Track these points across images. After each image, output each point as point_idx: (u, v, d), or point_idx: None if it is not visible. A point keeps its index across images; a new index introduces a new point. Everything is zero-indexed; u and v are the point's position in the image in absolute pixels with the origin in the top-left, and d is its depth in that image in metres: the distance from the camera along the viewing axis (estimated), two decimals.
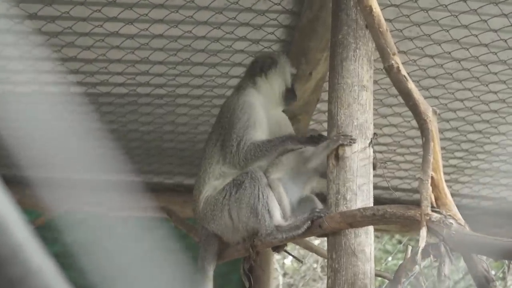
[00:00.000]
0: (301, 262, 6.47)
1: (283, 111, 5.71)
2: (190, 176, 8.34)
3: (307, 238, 5.76)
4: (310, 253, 9.59)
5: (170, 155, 8.10)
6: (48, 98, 6.65)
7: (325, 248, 5.15)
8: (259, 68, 5.56)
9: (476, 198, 8.76)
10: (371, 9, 4.18)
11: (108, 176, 8.46)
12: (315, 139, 5.00)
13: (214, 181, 5.34)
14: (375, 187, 4.87)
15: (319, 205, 5.09)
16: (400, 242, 12.88)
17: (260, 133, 5.30)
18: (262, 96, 5.46)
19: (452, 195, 4.33)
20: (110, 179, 8.51)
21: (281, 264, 14.21)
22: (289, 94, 5.55)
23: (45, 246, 1.78)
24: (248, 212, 4.97)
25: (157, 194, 8.48)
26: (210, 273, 5.41)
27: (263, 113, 5.41)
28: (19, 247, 1.58)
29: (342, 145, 4.65)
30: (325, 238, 4.82)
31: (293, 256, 6.21)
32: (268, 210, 4.93)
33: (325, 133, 5.02)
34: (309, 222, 4.71)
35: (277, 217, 4.95)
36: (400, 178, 8.43)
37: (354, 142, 4.64)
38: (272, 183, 5.10)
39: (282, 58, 5.62)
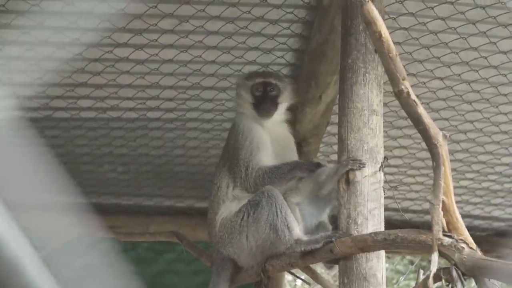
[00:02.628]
0: (309, 284, 6.45)
1: (292, 131, 5.74)
2: (201, 200, 8.35)
3: (314, 267, 5.73)
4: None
5: (181, 179, 8.10)
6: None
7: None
8: (236, 95, 5.68)
9: (488, 219, 8.74)
10: (380, 35, 4.18)
11: (117, 200, 8.49)
12: (321, 164, 5.07)
13: (229, 203, 5.36)
14: (386, 209, 4.86)
15: None
16: (412, 262, 12.84)
17: (265, 155, 5.32)
18: (252, 118, 5.50)
19: (463, 216, 4.32)
20: (120, 203, 8.54)
21: (293, 286, 14.17)
22: (261, 105, 5.46)
23: (57, 271, 1.79)
24: (267, 229, 4.96)
25: (169, 218, 8.50)
26: None
27: (264, 132, 5.43)
28: (31, 283, 1.59)
29: (352, 169, 4.65)
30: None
31: (301, 279, 6.19)
32: (287, 225, 4.93)
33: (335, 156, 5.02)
34: (328, 240, 4.68)
35: (297, 231, 4.94)
36: (411, 199, 8.42)
37: (363, 167, 4.63)
38: (289, 206, 5.10)
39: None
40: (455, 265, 3.99)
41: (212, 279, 5.40)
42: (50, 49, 5.94)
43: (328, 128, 6.82)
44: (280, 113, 5.59)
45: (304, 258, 4.86)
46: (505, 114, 6.80)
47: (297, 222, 5.03)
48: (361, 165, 4.63)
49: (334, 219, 4.96)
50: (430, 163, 4.25)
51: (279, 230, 4.92)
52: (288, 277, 10.93)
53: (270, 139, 5.45)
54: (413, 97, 4.16)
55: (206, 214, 5.61)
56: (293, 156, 5.58)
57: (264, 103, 5.47)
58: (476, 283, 4.13)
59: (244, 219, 5.11)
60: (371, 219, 4.60)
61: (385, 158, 4.77)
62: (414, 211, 8.56)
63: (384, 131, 4.90)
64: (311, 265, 5.52)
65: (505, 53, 5.98)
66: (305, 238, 4.88)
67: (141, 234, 7.46)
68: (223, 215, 5.33)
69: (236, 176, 5.28)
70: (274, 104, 5.50)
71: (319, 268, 5.85)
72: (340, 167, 4.70)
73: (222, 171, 5.43)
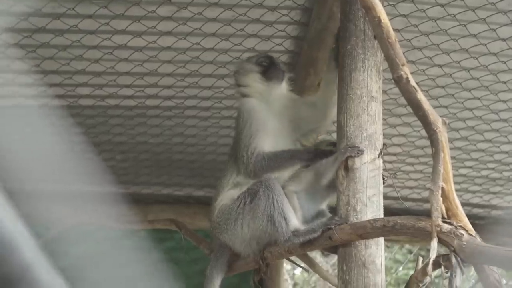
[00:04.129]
0: (307, 271, 6.46)
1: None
2: (199, 188, 8.35)
3: (312, 256, 5.73)
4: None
5: (180, 167, 8.10)
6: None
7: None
8: (235, 82, 5.59)
9: (487, 207, 8.74)
10: (379, 20, 4.16)
11: (116, 188, 8.48)
12: (322, 153, 5.03)
13: (229, 190, 5.38)
14: (385, 197, 4.85)
15: None
16: (410, 252, 12.86)
17: (265, 137, 5.29)
18: (254, 99, 5.44)
19: (463, 204, 4.31)
20: (118, 191, 8.53)
21: (291, 275, 14.19)
22: (271, 69, 5.45)
23: (55, 259, 1.77)
24: (264, 220, 4.96)
25: (167, 206, 8.50)
26: (217, 281, 5.45)
27: (266, 114, 5.37)
28: (28, 266, 1.57)
29: (351, 156, 4.63)
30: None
31: (301, 267, 6.19)
32: (284, 216, 4.93)
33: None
34: (326, 227, 4.68)
35: (294, 222, 4.94)
36: (410, 188, 8.41)
37: (362, 154, 4.62)
38: (287, 194, 5.10)
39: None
40: (454, 251, 3.98)
41: (210, 263, 5.51)
42: (48, 36, 5.92)
43: None
44: (284, 89, 5.54)
45: (303, 246, 4.86)
46: (505, 101, 6.79)
47: (294, 212, 5.03)
48: (360, 152, 4.61)
49: (333, 208, 4.96)
50: (429, 151, 4.24)
51: (276, 222, 4.92)
52: (287, 266, 10.95)
53: (277, 114, 5.40)
54: (413, 83, 4.14)
55: (204, 202, 5.63)
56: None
57: (274, 67, 5.46)
58: (475, 269, 4.13)
59: (240, 206, 5.12)
60: (370, 206, 4.59)
61: (384, 145, 4.76)
62: (413, 200, 8.55)
63: (383, 118, 4.88)
64: (309, 254, 5.52)
65: (504, 40, 5.96)
66: (302, 228, 4.88)
67: (140, 222, 7.46)
68: (222, 202, 5.35)
69: (239, 162, 5.29)
70: (283, 72, 5.48)
71: (318, 256, 5.85)
72: (339, 155, 4.68)
73: (230, 160, 5.47)
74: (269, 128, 5.34)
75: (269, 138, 5.31)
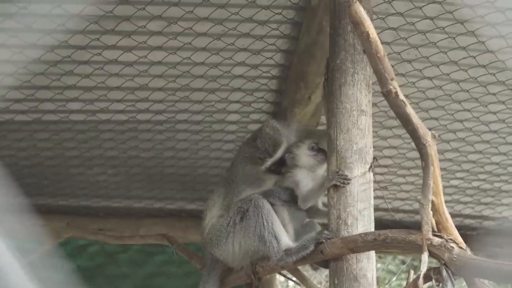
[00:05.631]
0: (299, 285, 6.47)
1: None
2: (191, 201, 8.34)
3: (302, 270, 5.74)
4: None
5: (171, 181, 8.08)
6: None
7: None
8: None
9: (478, 218, 8.75)
10: (368, 35, 4.18)
11: (108, 202, 8.47)
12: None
13: (219, 210, 5.46)
14: (376, 209, 4.86)
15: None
16: (403, 262, 12.84)
17: (255, 189, 5.33)
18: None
19: (454, 215, 4.34)
20: (110, 205, 8.52)
21: (285, 287, 14.16)
22: (276, 171, 5.41)
23: (49, 273, 1.79)
24: (256, 240, 5.01)
25: (159, 220, 8.49)
26: None
27: (261, 173, 5.41)
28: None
29: (336, 185, 4.64)
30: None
31: (293, 280, 6.20)
32: (275, 236, 4.96)
33: None
34: (317, 241, 4.70)
35: (285, 241, 4.98)
36: (401, 199, 8.42)
37: (348, 183, 4.63)
38: (278, 208, 5.12)
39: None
40: (445, 264, 4.00)
41: (203, 278, 5.60)
42: (39, 52, 5.92)
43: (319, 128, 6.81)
44: None
45: (295, 261, 4.89)
46: (494, 113, 6.81)
47: (285, 230, 5.06)
48: (346, 181, 4.63)
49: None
50: (420, 163, 4.26)
51: (267, 242, 4.97)
52: (280, 278, 10.94)
53: None
54: (402, 97, 4.16)
55: (196, 215, 5.65)
56: None
57: (275, 170, 5.40)
58: (466, 282, 4.14)
59: (231, 224, 5.16)
60: (361, 220, 4.60)
61: (375, 158, 4.78)
62: (404, 211, 8.56)
63: (373, 131, 4.90)
64: (300, 268, 5.54)
65: (493, 52, 5.98)
66: (294, 245, 4.91)
67: (131, 237, 7.45)
68: (213, 220, 5.40)
69: (229, 196, 5.40)
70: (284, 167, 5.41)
71: (310, 270, 5.86)
72: (326, 182, 4.72)
73: (223, 182, 5.58)
74: (260, 181, 5.37)
75: (260, 188, 5.34)
